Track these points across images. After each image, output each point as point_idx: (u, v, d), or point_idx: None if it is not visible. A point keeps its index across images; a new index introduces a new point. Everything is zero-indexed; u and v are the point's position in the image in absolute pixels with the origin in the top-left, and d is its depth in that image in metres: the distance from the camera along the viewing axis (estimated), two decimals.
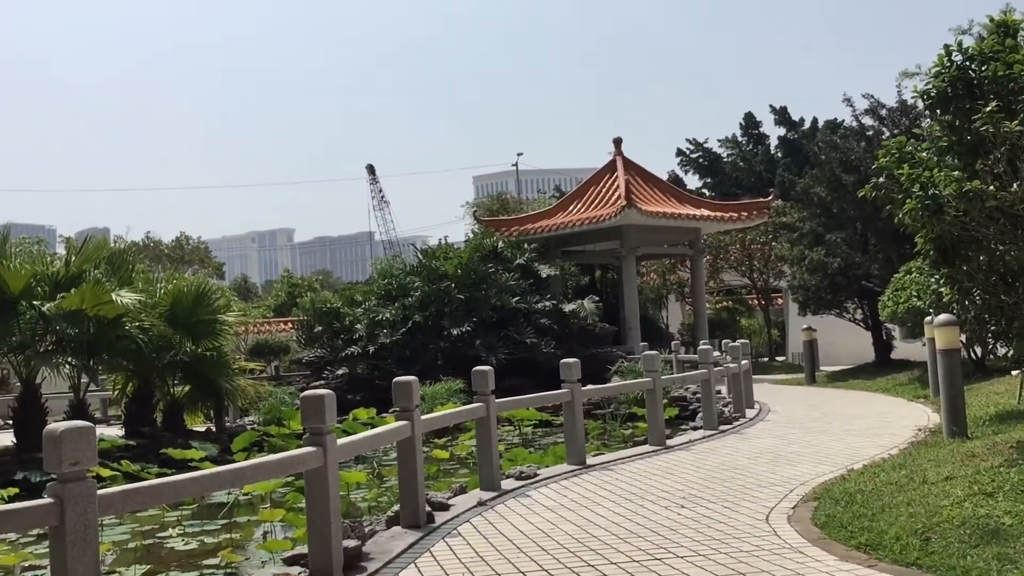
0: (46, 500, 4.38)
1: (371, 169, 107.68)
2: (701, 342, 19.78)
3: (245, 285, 74.76)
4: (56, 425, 4.45)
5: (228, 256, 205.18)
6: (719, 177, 54.89)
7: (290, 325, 36.32)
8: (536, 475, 10.00)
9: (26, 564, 9.06)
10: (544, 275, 27.06)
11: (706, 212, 29.78)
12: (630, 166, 29.97)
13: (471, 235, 38.15)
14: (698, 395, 17.35)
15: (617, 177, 29.18)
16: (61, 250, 36.54)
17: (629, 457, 11.46)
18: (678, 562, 6.08)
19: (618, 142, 30.68)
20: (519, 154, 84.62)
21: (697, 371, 15.03)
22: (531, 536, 7.10)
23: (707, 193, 50.55)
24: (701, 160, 56.52)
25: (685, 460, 10.98)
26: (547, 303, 25.91)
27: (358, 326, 25.79)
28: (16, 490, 11.94)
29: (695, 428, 14.88)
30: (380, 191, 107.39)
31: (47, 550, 9.24)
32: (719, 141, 57.27)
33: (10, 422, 18.40)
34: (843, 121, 36.32)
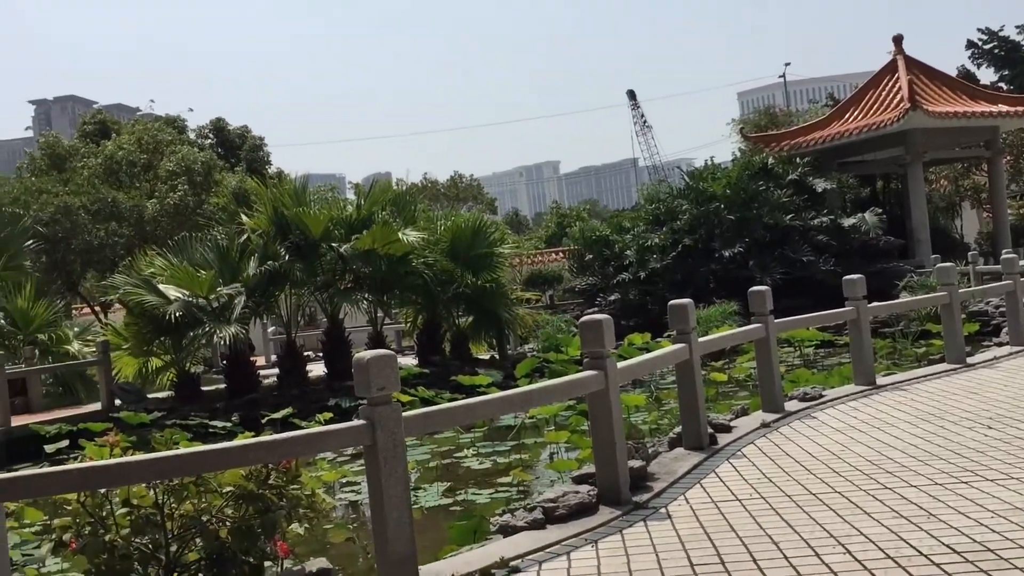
0: (359, 422, 4.82)
1: (632, 95, 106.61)
2: (1003, 251, 18.05)
3: (516, 218, 77.26)
4: (364, 354, 4.85)
5: (499, 191, 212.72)
6: (1019, 68, 49.16)
7: (561, 255, 37.15)
8: (821, 396, 9.65)
9: (344, 480, 10.05)
10: (819, 189, 25.72)
11: (1004, 108, 26.83)
12: (913, 65, 27.53)
13: (738, 153, 36.88)
14: (1001, 309, 15.90)
15: (898, 78, 26.92)
16: (351, 195, 39.44)
17: (924, 376, 10.75)
18: (987, 485, 5.65)
19: (898, 40, 28.24)
20: (786, 64, 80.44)
21: (1000, 283, 13.73)
22: (820, 458, 6.88)
23: (1005, 87, 45.49)
24: (996, 51, 50.81)
25: (990, 378, 10.13)
26: (824, 219, 24.67)
27: (628, 252, 25.91)
28: (329, 415, 13.21)
29: (1000, 344, 13.67)
30: (642, 116, 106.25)
31: (360, 468, 10.19)
32: (1017, 28, 51.13)
33: (320, 354, 20.36)
34: None
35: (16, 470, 5.70)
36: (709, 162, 29.56)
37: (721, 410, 10.22)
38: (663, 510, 5.80)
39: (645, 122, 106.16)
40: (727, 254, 23.87)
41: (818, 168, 26.70)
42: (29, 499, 7.35)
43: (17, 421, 15.92)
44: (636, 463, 6.54)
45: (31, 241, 23.04)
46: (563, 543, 5.28)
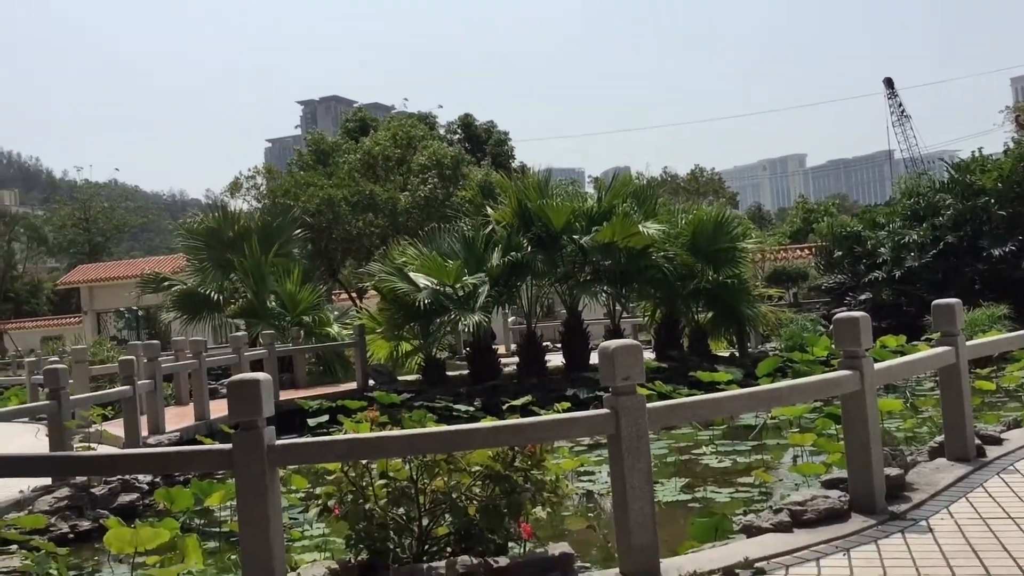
0: (604, 410, 4.83)
1: (889, 83, 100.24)
2: None
3: (759, 213, 74.92)
4: (609, 343, 4.86)
5: (740, 185, 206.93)
6: None
7: (807, 251, 35.60)
8: None
9: (581, 468, 10.16)
10: None
11: None
12: None
13: (1011, 144, 33.73)
14: None
15: None
16: (590, 190, 39.75)
17: None
18: None
19: None
20: None
21: None
22: None
23: None
24: None
25: None
26: None
27: (881, 250, 24.45)
28: (567, 404, 13.36)
29: None
30: (900, 105, 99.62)
31: (597, 458, 10.26)
32: None
33: (558, 345, 20.72)
34: None
35: (284, 439, 6.21)
36: (977, 153, 27.25)
37: (989, 421, 9.39)
38: (923, 523, 5.40)
39: (903, 112, 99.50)
40: (996, 253, 21.96)
41: None
42: (297, 466, 7.99)
43: (284, 396, 17.37)
44: (893, 471, 6.15)
45: (299, 230, 24.99)
46: (811, 548, 5.05)
